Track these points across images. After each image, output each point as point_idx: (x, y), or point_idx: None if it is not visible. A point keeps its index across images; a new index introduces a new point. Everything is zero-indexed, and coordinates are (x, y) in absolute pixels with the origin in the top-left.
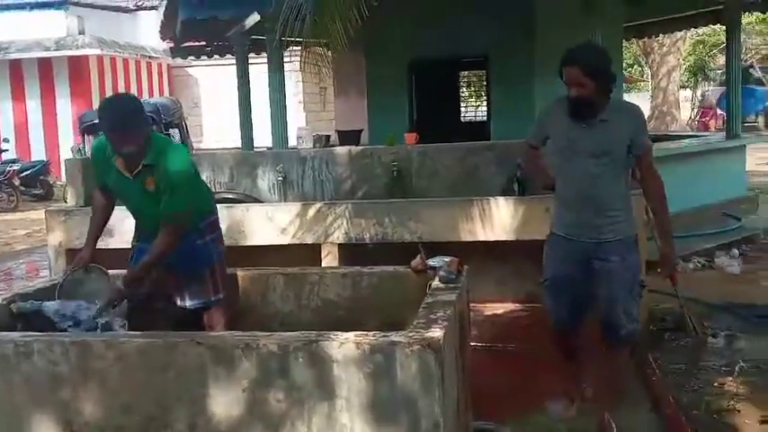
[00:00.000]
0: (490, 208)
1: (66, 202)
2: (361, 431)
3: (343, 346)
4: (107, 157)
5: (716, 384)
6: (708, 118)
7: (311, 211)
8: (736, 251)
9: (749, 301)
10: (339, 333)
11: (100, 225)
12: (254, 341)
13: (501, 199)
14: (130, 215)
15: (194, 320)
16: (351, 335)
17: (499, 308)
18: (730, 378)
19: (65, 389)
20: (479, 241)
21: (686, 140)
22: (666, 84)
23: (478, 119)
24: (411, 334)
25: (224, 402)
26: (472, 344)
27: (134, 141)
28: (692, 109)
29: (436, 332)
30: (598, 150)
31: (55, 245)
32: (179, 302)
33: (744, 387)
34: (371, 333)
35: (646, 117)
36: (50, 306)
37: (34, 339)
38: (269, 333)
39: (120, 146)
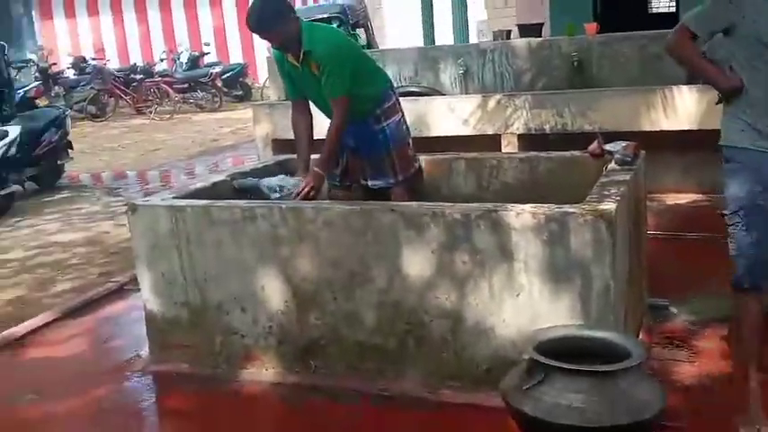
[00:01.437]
0: (673, 97)
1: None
2: (538, 290)
3: (520, 215)
4: (283, 54)
5: None
6: None
7: (491, 103)
8: None
9: None
10: (516, 204)
11: (306, 147)
12: (440, 210)
13: (684, 88)
14: None
15: (382, 199)
16: (527, 206)
17: (682, 198)
18: None
19: (284, 247)
20: (662, 131)
21: None
22: None
23: (671, 9)
24: (584, 206)
25: (416, 262)
26: (651, 233)
27: (278, 37)
28: None
29: (609, 205)
30: None
31: (262, 135)
32: (365, 182)
33: None
34: (546, 205)
35: None
36: (264, 182)
37: (257, 206)
38: (452, 204)
39: (271, 41)
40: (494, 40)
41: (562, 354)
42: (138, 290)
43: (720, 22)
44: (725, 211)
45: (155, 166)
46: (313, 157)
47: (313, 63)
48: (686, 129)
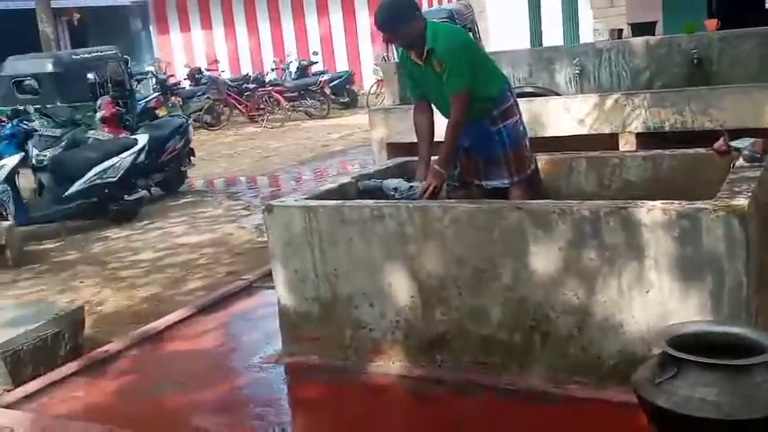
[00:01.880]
0: None
1: (369, 108)
2: (668, 288)
3: (651, 212)
4: (408, 54)
5: None
6: None
7: (608, 102)
8: None
9: None
10: (647, 201)
11: (428, 148)
12: (569, 207)
13: None
14: None
15: (500, 199)
16: (658, 202)
17: None
18: None
19: (411, 245)
20: None
21: None
22: None
23: None
24: (716, 202)
25: (542, 259)
26: None
27: (405, 35)
28: None
29: (741, 200)
30: None
31: (378, 139)
32: (481, 182)
33: None
34: (677, 201)
35: None
36: (387, 183)
37: (385, 205)
38: (581, 201)
39: (396, 40)
40: (609, 37)
41: (694, 348)
42: (267, 287)
43: None
44: None
45: (269, 171)
46: (433, 158)
47: (435, 61)
48: None
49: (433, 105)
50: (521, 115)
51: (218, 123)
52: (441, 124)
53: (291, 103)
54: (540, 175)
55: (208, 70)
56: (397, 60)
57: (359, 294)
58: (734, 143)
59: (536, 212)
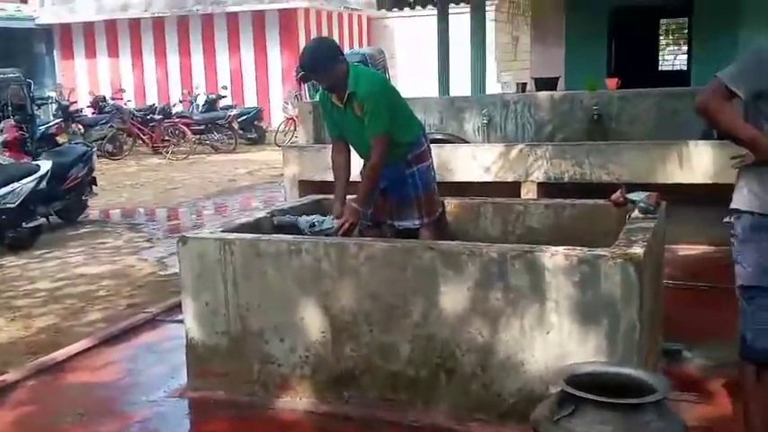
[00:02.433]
0: (689, 152)
1: (278, 146)
2: (568, 329)
3: (554, 257)
4: (328, 96)
5: None
6: None
7: (513, 152)
8: None
9: None
10: (551, 246)
11: (344, 186)
12: (478, 249)
13: (701, 143)
14: None
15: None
16: (561, 248)
17: (693, 250)
18: None
19: (325, 280)
20: (677, 184)
21: None
22: None
23: (676, 68)
24: (614, 250)
25: (451, 298)
26: (666, 281)
27: (329, 77)
28: None
29: (637, 249)
30: None
31: (290, 176)
32: (393, 222)
33: None
34: (578, 248)
35: None
36: (302, 219)
37: (302, 240)
38: (490, 243)
39: (321, 82)
40: (516, 90)
41: (591, 388)
42: (171, 320)
43: (754, 85)
44: None
45: (174, 203)
46: (349, 196)
47: (356, 104)
48: (700, 182)
49: (350, 146)
50: (432, 160)
51: (119, 153)
52: (357, 164)
53: (198, 136)
54: (446, 218)
55: (113, 99)
56: (308, 99)
57: (270, 329)
58: (630, 196)
59: (447, 253)
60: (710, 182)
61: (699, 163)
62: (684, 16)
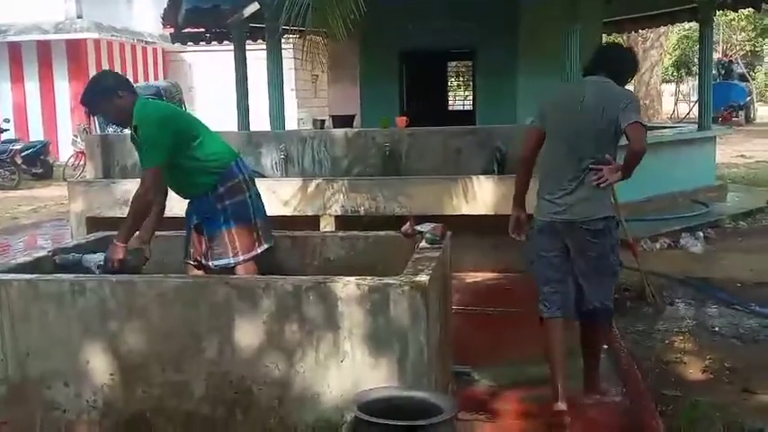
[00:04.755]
0: (472, 185)
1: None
2: (361, 357)
3: (346, 287)
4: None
5: (667, 342)
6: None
7: (311, 186)
8: (700, 233)
9: (706, 276)
10: (343, 277)
11: (149, 224)
12: (273, 282)
13: (482, 177)
14: None
15: None
16: (353, 278)
17: (479, 277)
18: (680, 338)
19: (112, 321)
20: (462, 215)
21: (661, 131)
22: (649, 78)
23: (465, 108)
24: (402, 278)
25: (247, 333)
26: (454, 307)
27: (112, 111)
28: (675, 102)
29: (423, 277)
30: None
31: (77, 212)
32: (209, 263)
33: (691, 344)
34: (369, 277)
35: None
36: (88, 258)
37: (86, 279)
38: (284, 276)
39: (106, 116)
40: (313, 127)
41: (386, 412)
42: None
43: None
44: None
45: None
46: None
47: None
48: (483, 214)
49: None
50: (251, 194)
51: None
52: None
53: None
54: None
55: None
56: (98, 132)
57: (53, 374)
58: (418, 227)
59: (242, 287)
60: (492, 213)
61: (481, 196)
62: (469, 60)
